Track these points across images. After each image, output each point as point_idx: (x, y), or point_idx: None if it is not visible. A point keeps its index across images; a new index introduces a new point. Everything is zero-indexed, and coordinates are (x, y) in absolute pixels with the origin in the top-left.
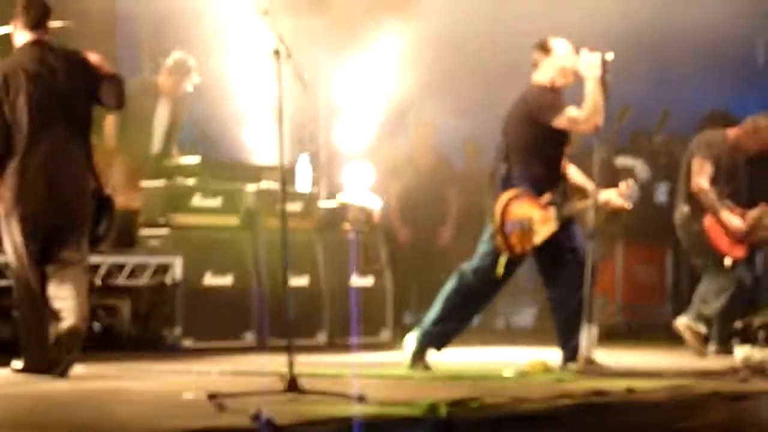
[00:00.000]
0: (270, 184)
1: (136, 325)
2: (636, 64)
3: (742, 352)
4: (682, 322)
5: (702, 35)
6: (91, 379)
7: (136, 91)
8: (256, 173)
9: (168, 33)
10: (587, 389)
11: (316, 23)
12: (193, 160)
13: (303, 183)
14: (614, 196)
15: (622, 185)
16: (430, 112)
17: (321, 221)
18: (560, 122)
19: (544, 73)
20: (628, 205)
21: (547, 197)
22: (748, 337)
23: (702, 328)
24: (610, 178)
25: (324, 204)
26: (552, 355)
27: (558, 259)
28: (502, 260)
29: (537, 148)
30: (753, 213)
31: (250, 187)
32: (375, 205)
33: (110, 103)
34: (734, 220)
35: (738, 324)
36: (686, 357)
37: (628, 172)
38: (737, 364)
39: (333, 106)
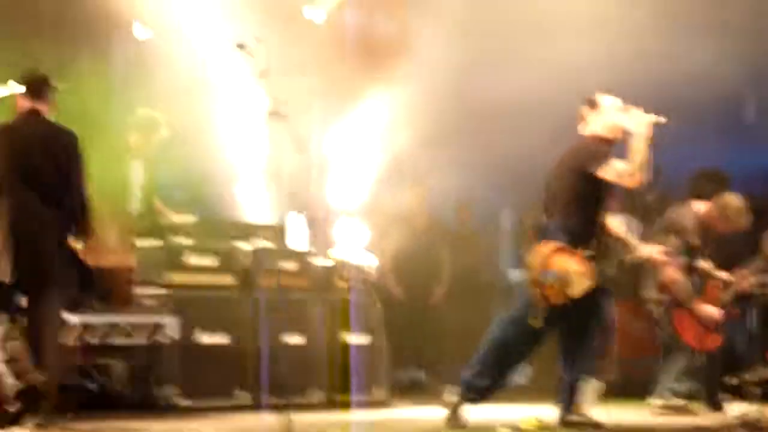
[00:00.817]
0: (265, 243)
1: (131, 385)
2: None
3: (736, 408)
4: (657, 404)
5: (692, 93)
6: None
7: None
8: (251, 232)
9: (161, 92)
10: None
11: (310, 81)
12: (188, 219)
13: (298, 241)
14: (655, 252)
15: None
16: (424, 171)
17: (316, 279)
18: (607, 173)
19: (593, 127)
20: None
21: (587, 251)
22: (741, 393)
23: (679, 401)
24: None
25: (319, 262)
26: (546, 412)
27: (583, 312)
28: (541, 311)
29: (580, 200)
30: (735, 285)
31: (246, 246)
32: (371, 263)
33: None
34: (708, 310)
35: (732, 380)
36: (680, 415)
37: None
38: (732, 421)
39: (327, 164)
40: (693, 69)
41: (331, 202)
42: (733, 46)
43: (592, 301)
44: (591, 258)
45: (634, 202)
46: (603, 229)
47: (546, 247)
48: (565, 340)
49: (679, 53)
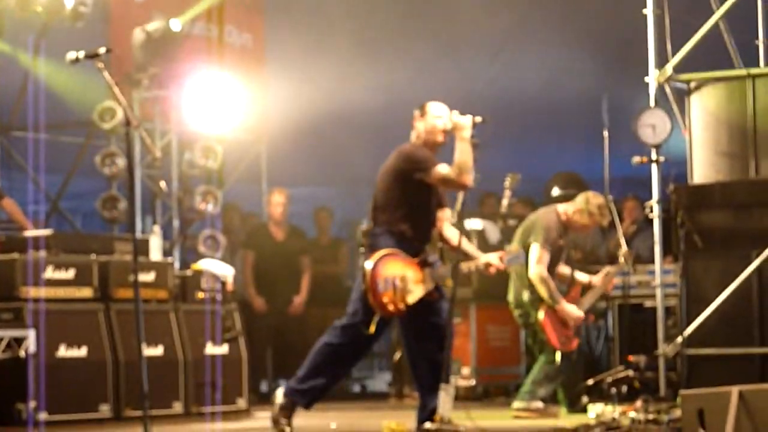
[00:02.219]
0: (122, 255)
1: None
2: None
3: (594, 409)
4: (517, 407)
5: (548, 97)
6: None
7: None
8: (108, 244)
9: None
10: None
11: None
12: (44, 232)
13: (155, 252)
14: (495, 259)
15: (508, 248)
16: (281, 180)
17: (175, 290)
18: (429, 178)
19: (418, 132)
20: (505, 266)
21: (421, 257)
22: (600, 394)
23: (539, 404)
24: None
25: (177, 273)
26: (408, 418)
27: (419, 319)
28: (375, 318)
29: (405, 205)
30: (597, 286)
31: (103, 259)
32: (228, 273)
33: None
34: (573, 310)
35: (589, 382)
36: (540, 418)
37: (479, 235)
38: (590, 422)
39: (184, 174)
40: (546, 74)
41: (188, 211)
42: (589, 52)
43: (429, 307)
44: (424, 264)
45: (493, 208)
46: (437, 236)
47: (379, 253)
48: (410, 351)
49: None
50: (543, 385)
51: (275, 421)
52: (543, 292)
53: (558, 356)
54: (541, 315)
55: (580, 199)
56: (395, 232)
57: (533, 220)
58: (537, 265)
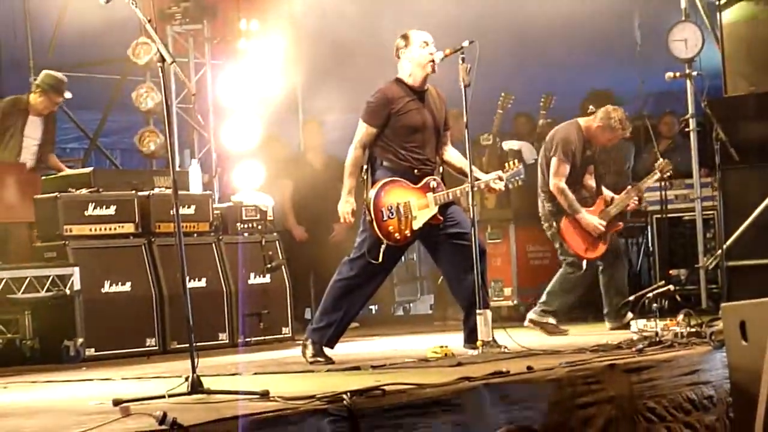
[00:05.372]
0: (162, 190)
1: (37, 338)
2: (516, 49)
3: (636, 324)
4: (530, 318)
5: (580, 17)
6: None
7: (6, 108)
8: (148, 179)
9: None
10: (487, 370)
11: (196, 28)
12: (84, 170)
13: (196, 186)
14: (492, 178)
15: (506, 166)
16: (317, 108)
17: (215, 223)
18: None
19: (403, 64)
20: (504, 186)
21: (422, 183)
22: (641, 309)
23: (549, 319)
24: (499, 162)
25: (218, 206)
26: (452, 340)
27: (443, 245)
28: (382, 248)
29: (393, 134)
30: (621, 197)
31: (143, 194)
32: (268, 204)
33: None
34: (592, 219)
35: (630, 298)
36: (583, 334)
37: (516, 155)
38: (633, 337)
39: (221, 108)
40: None
41: (225, 144)
42: None
43: (450, 232)
44: (428, 189)
45: (525, 128)
46: (438, 160)
47: (379, 183)
48: (445, 276)
49: None
50: (557, 297)
51: (312, 364)
52: (562, 202)
53: (584, 264)
54: (562, 224)
55: (601, 113)
56: (391, 162)
57: (552, 135)
58: (554, 177)
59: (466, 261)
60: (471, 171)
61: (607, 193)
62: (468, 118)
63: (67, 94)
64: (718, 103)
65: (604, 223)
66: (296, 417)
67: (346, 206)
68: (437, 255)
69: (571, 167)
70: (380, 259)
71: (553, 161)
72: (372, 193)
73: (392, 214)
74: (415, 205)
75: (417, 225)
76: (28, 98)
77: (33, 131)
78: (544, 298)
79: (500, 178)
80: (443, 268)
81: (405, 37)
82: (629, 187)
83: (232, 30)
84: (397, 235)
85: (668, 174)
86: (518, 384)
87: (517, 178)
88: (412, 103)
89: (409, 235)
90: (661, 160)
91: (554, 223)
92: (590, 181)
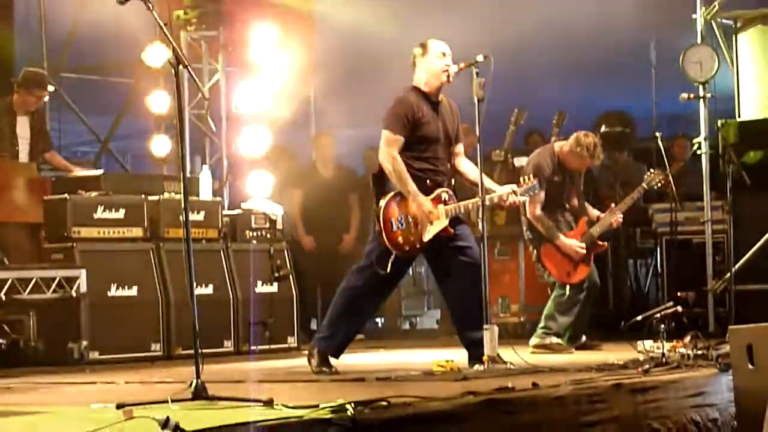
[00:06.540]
0: (172, 195)
1: (42, 339)
2: (531, 65)
3: (643, 345)
4: (533, 344)
5: (596, 37)
6: None
7: None
8: (158, 184)
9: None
10: (492, 386)
11: (211, 35)
12: (94, 173)
13: (206, 192)
14: (507, 192)
15: (521, 180)
16: (330, 120)
17: (224, 230)
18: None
19: (419, 73)
20: (519, 201)
21: (434, 194)
22: (648, 330)
23: (553, 340)
24: (510, 178)
25: (227, 213)
26: (457, 355)
27: (448, 259)
28: (391, 259)
29: (407, 144)
30: (604, 216)
31: (153, 198)
32: (277, 212)
33: None
34: (572, 243)
35: (638, 318)
36: (589, 353)
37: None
38: (639, 357)
39: (233, 116)
40: (595, 12)
41: (237, 151)
42: None
43: (456, 247)
44: (439, 201)
45: (535, 145)
46: (449, 173)
47: (390, 194)
48: (444, 292)
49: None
50: (555, 320)
51: (317, 373)
52: (540, 229)
53: (567, 290)
54: (542, 251)
55: (572, 138)
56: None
57: (528, 160)
58: (530, 205)
59: (468, 277)
60: (482, 184)
61: (594, 212)
62: (480, 132)
63: (50, 87)
64: (731, 126)
65: (584, 246)
66: (300, 426)
67: (427, 204)
68: (438, 267)
69: (546, 192)
70: (388, 270)
71: None
72: (382, 203)
73: (402, 225)
74: (423, 215)
75: (427, 237)
76: (12, 99)
77: (23, 131)
78: (542, 322)
79: (514, 192)
80: (442, 281)
81: (423, 45)
82: (612, 205)
83: (247, 39)
84: (406, 246)
85: (658, 185)
86: (523, 401)
87: (531, 193)
88: (429, 113)
89: (418, 246)
90: (649, 171)
91: (535, 251)
92: (574, 202)
